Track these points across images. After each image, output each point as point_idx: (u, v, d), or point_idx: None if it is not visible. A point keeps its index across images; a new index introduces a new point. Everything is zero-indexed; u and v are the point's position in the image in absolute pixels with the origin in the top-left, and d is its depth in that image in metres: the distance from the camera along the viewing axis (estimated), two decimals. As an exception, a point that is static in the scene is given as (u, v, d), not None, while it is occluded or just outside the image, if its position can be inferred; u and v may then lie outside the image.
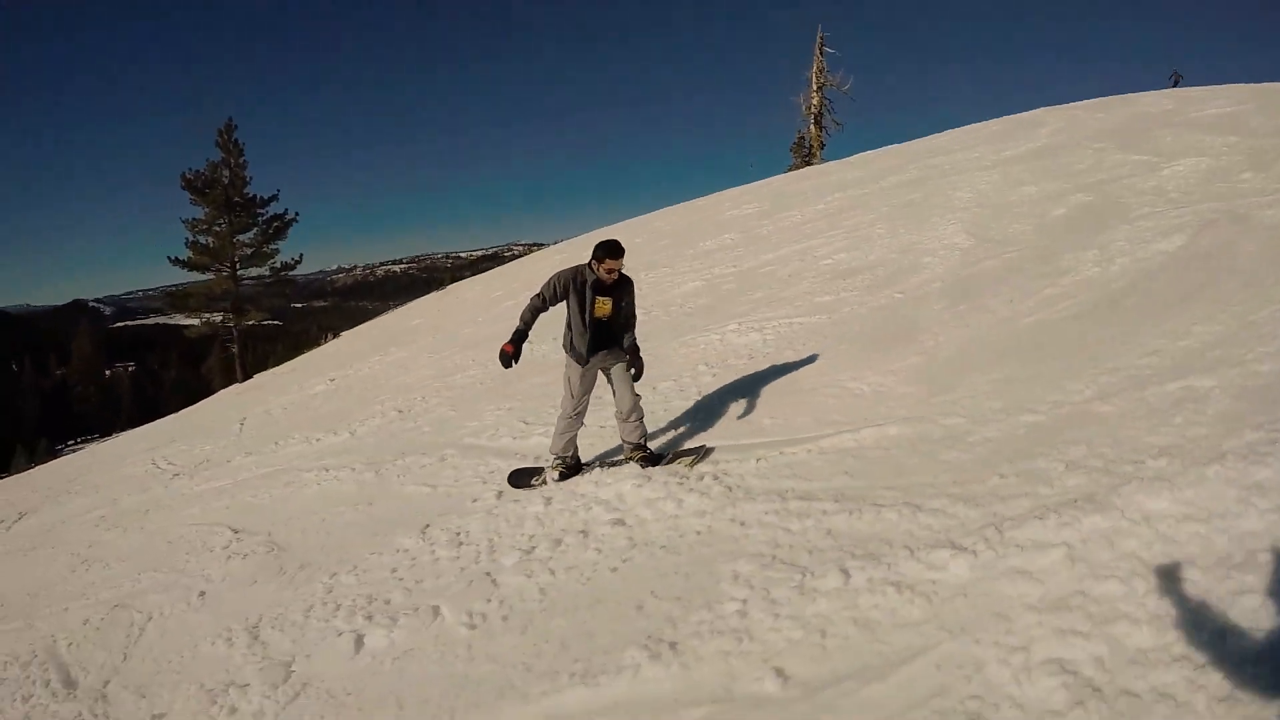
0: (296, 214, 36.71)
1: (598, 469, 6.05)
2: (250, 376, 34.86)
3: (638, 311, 6.00)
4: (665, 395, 7.74)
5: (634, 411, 5.81)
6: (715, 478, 5.37)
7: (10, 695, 5.31)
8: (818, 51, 40.96)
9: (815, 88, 41.09)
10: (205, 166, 35.68)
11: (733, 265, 13.62)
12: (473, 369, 12.00)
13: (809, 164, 37.80)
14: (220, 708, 4.19)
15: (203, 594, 5.97)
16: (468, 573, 5.00)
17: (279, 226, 36.10)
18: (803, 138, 41.63)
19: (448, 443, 8.19)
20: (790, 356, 8.04)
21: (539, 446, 7.10)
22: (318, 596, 5.25)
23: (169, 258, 35.71)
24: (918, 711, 2.78)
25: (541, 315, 5.63)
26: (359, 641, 4.43)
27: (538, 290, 5.62)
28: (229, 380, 48.04)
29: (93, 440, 57.44)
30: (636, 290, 5.90)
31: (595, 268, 5.51)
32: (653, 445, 6.20)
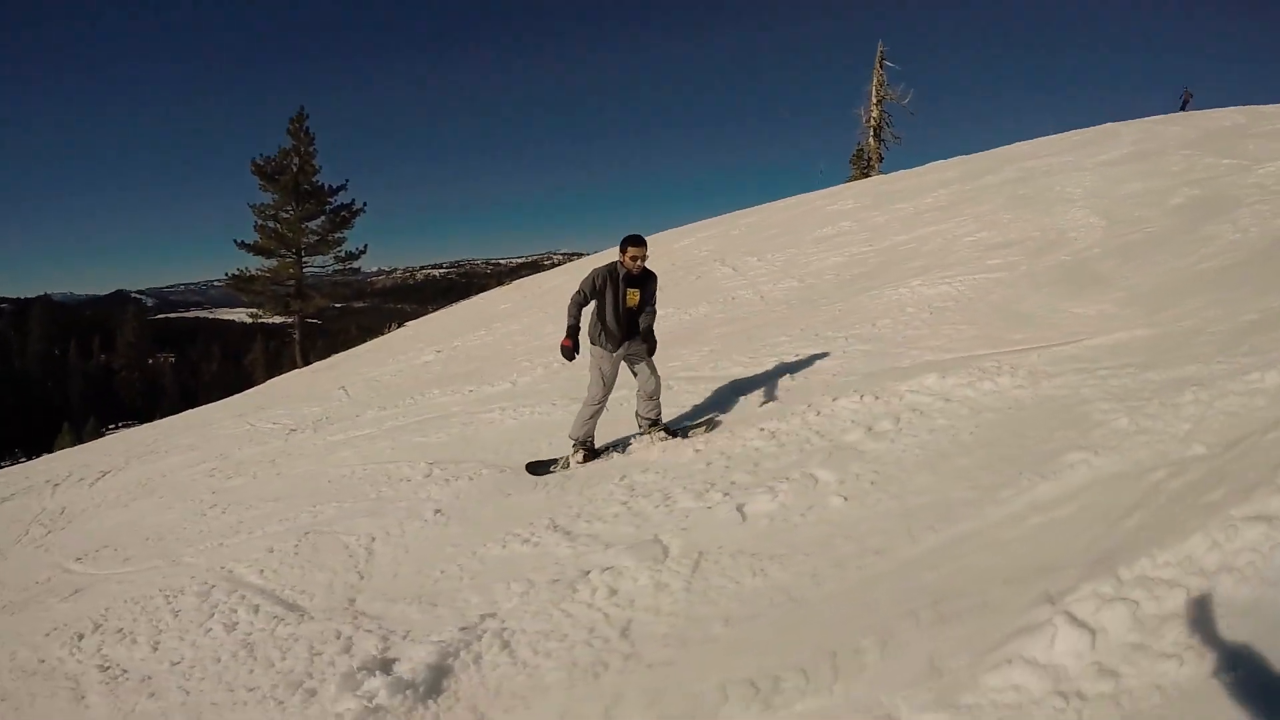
0: (364, 204, 37.10)
1: (618, 450, 6.33)
2: (310, 362, 35.22)
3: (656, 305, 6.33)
4: (886, 330, 7.90)
5: (657, 391, 6.19)
6: (1011, 369, 5.67)
7: (201, 624, 5.08)
8: (878, 65, 41.12)
9: (875, 101, 41.23)
10: (276, 153, 36.24)
11: (866, 245, 13.69)
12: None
13: (867, 176, 37.94)
14: (589, 590, 3.98)
15: (439, 512, 5.91)
16: (817, 448, 5.09)
17: (346, 216, 36.49)
18: (861, 150, 41.74)
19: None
20: (994, 299, 8.21)
21: (726, 376, 7.50)
22: (618, 495, 5.22)
23: (235, 241, 36.16)
24: None
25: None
26: (740, 510, 4.41)
27: (577, 288, 6.04)
28: (272, 373, 48.36)
29: (133, 424, 57.73)
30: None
31: (624, 260, 5.93)
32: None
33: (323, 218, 36.26)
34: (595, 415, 6.17)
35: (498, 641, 3.68)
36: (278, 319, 42.21)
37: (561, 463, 6.25)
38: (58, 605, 6.68)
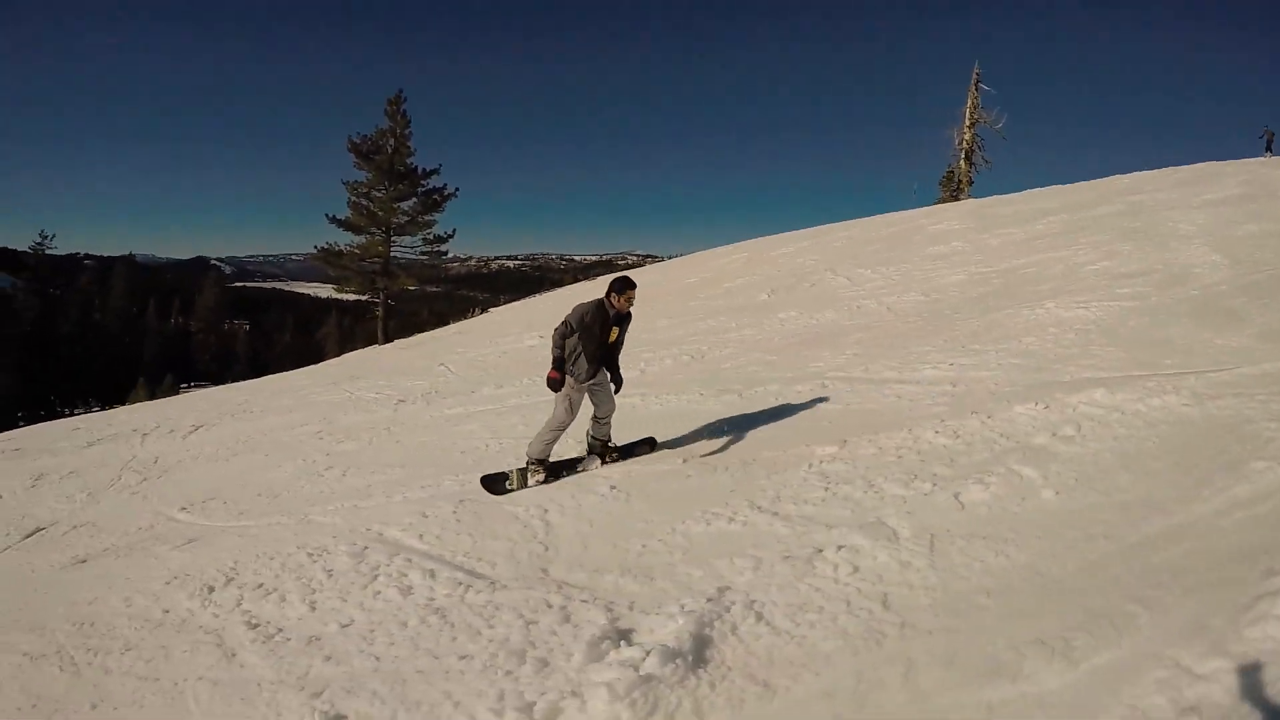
0: (456, 189, 37.79)
1: (567, 470, 6.73)
2: (390, 340, 35.96)
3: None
4: (1035, 346, 7.99)
5: (609, 415, 6.71)
6: (1174, 389, 5.81)
7: (364, 586, 5.02)
8: (973, 87, 40.78)
9: (968, 123, 40.85)
10: (372, 133, 37.10)
11: (985, 266, 13.71)
12: (746, 329, 12.58)
13: (956, 199, 37.63)
14: (830, 566, 4.01)
15: (614, 488, 5.98)
16: (1007, 448, 5.24)
17: (437, 199, 37.23)
18: (953, 172, 41.43)
19: (807, 375, 8.49)
20: (1133, 325, 8.25)
21: (880, 379, 7.68)
22: (813, 481, 5.33)
23: (327, 215, 37.08)
24: None
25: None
26: (957, 498, 4.55)
27: (563, 322, 6.28)
28: (345, 348, 49.35)
29: (205, 385, 59.35)
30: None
31: (615, 300, 6.29)
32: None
33: (414, 199, 37.03)
34: (556, 439, 6.54)
35: (751, 613, 3.70)
36: (351, 296, 43.26)
37: (517, 479, 6.50)
38: (170, 554, 6.74)
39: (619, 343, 6.54)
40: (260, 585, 5.41)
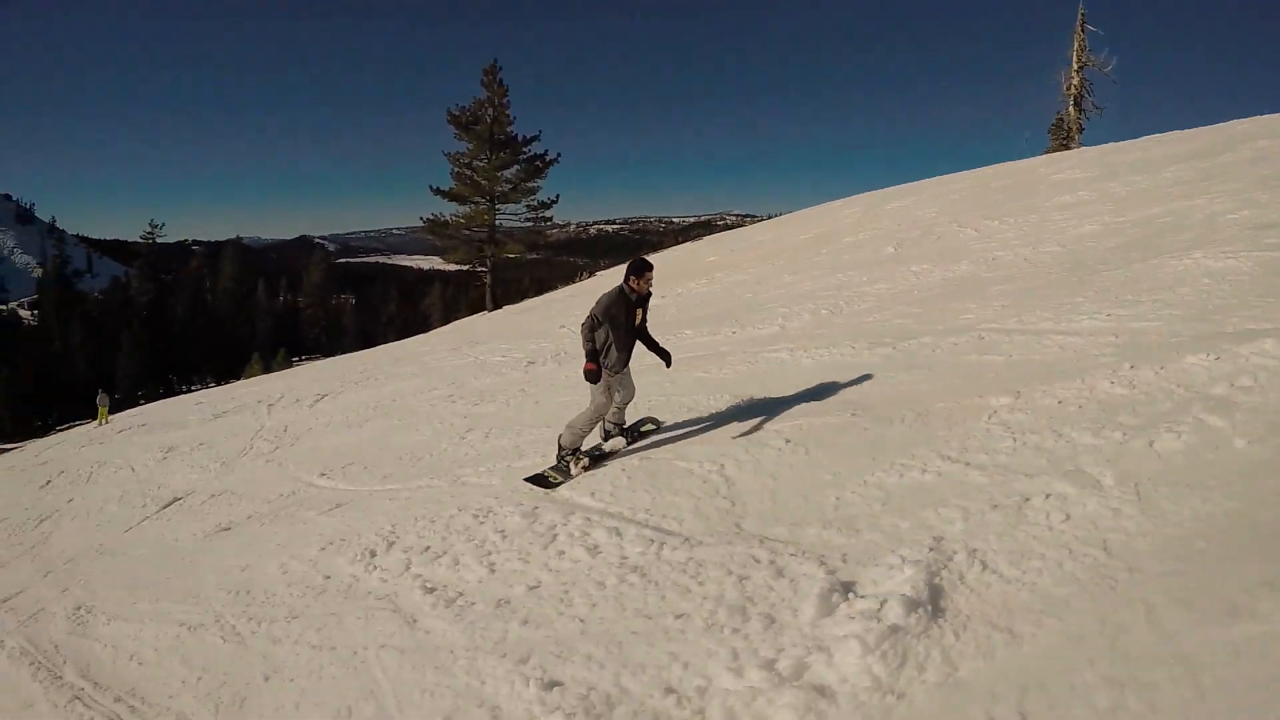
0: (558, 155, 38.28)
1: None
2: (498, 306, 36.83)
3: None
4: (1189, 297, 7.86)
5: (628, 402, 6.84)
6: None
7: (545, 546, 5.04)
8: (1079, 28, 39.13)
9: (1076, 67, 39.28)
10: (470, 104, 37.77)
11: (1119, 216, 13.39)
12: (879, 283, 12.72)
13: (1066, 147, 36.38)
14: (1041, 515, 4.09)
15: (789, 441, 6.01)
16: (1186, 398, 5.22)
17: (539, 165, 37.79)
18: (1061, 119, 39.93)
19: (959, 328, 8.57)
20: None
21: (1036, 329, 7.76)
22: (997, 432, 5.41)
23: (430, 187, 38.09)
24: None
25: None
26: (1152, 446, 4.64)
27: (589, 313, 6.30)
28: (449, 317, 50.50)
29: (317, 358, 61.89)
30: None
31: (635, 283, 6.33)
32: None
33: (517, 167, 37.66)
34: (594, 427, 6.62)
35: (976, 562, 3.73)
36: (455, 266, 44.27)
37: (560, 473, 6.49)
38: (318, 519, 6.97)
39: (644, 323, 6.63)
40: (427, 548, 5.49)
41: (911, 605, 3.42)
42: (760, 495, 5.24)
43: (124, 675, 5.08)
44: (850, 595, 3.69)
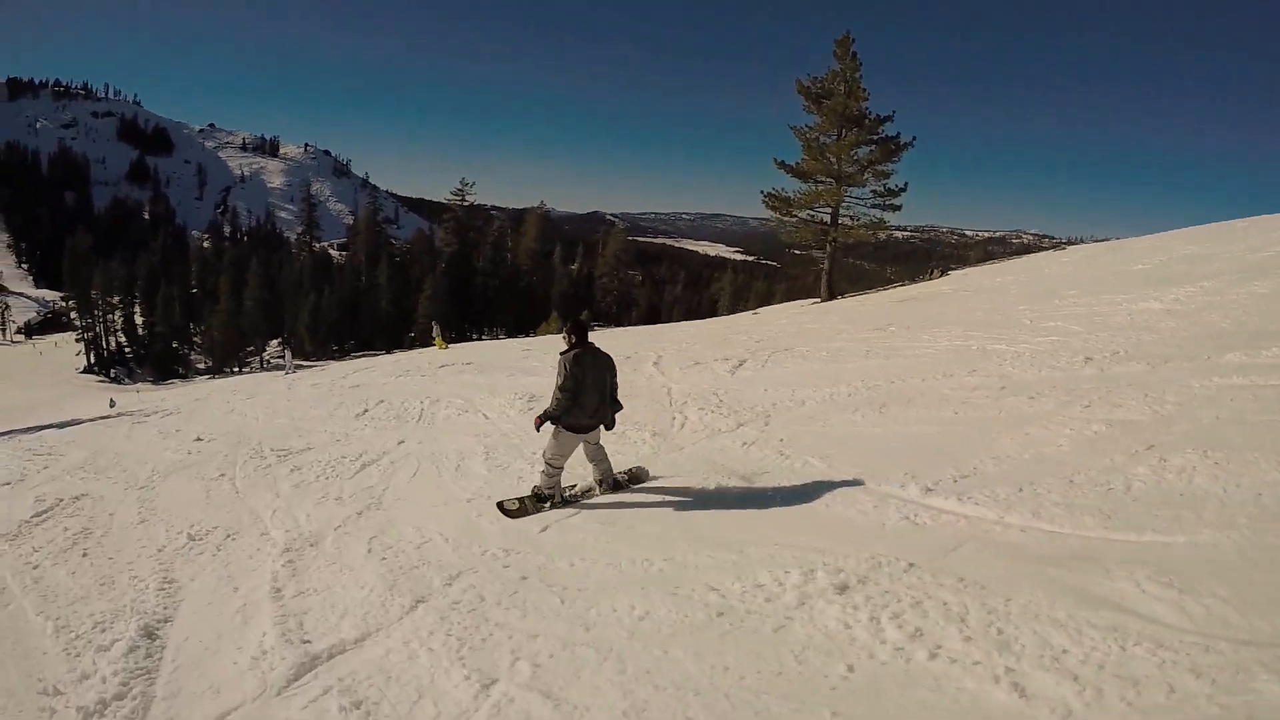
0: (913, 138, 35.02)
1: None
2: (834, 297, 34.44)
3: None
4: None
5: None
6: None
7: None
8: None
9: None
10: (825, 75, 35.25)
11: None
12: None
13: None
14: None
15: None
16: None
17: (893, 148, 34.68)
18: None
19: None
20: None
21: None
22: None
23: (775, 160, 36.03)
24: None
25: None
26: None
27: (559, 382, 6.18)
28: (737, 307, 48.75)
29: (608, 326, 62.81)
30: None
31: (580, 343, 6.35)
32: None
33: (870, 147, 34.77)
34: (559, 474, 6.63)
35: None
36: (738, 254, 42.27)
37: (538, 505, 6.62)
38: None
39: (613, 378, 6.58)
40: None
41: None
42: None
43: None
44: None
